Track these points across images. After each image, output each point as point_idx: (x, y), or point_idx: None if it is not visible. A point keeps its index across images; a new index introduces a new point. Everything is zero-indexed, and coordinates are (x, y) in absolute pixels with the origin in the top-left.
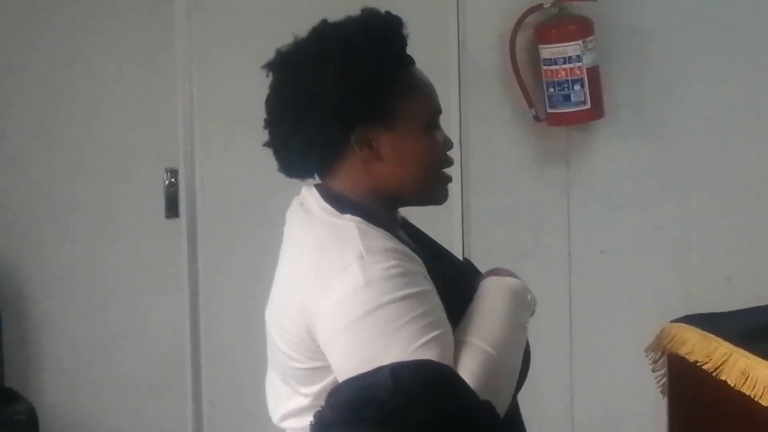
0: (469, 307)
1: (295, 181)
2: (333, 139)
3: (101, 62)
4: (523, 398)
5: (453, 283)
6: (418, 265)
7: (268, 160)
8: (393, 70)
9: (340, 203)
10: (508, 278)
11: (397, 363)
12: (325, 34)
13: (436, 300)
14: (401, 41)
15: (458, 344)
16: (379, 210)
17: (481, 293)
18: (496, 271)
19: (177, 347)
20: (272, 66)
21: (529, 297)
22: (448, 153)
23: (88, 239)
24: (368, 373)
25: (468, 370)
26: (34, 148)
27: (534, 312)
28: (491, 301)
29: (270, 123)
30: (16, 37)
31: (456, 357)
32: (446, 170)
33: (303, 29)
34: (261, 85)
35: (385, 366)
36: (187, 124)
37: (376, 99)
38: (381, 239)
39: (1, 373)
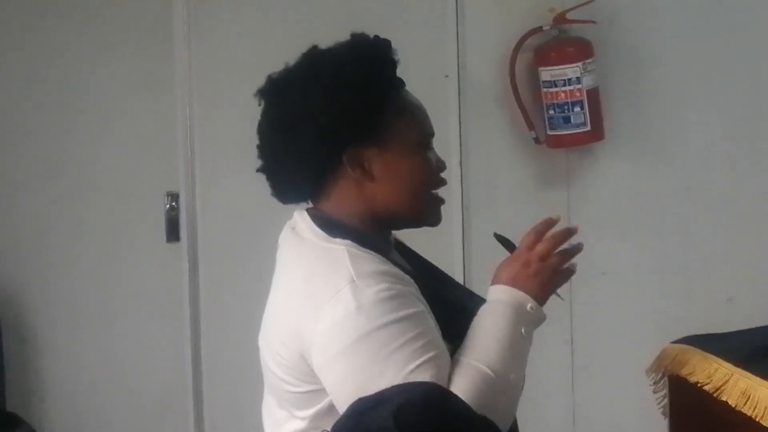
0: (470, 325)
1: (294, 205)
2: (325, 159)
3: (103, 88)
4: (524, 419)
5: (448, 304)
6: (409, 287)
7: (268, 184)
8: (383, 90)
9: (331, 227)
10: (506, 290)
11: (401, 403)
12: (314, 58)
13: (429, 321)
14: (391, 63)
15: (454, 364)
16: (371, 233)
17: (481, 310)
18: (499, 275)
19: (178, 371)
20: (263, 92)
21: (529, 307)
22: (441, 174)
23: (90, 263)
24: (370, 412)
25: (460, 390)
26: (36, 173)
27: (540, 321)
28: (490, 319)
29: (262, 148)
30: (22, 67)
31: (451, 377)
32: (440, 192)
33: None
34: (261, 109)
35: (387, 405)
36: (187, 149)
37: (367, 118)
38: (371, 262)
39: (3, 398)
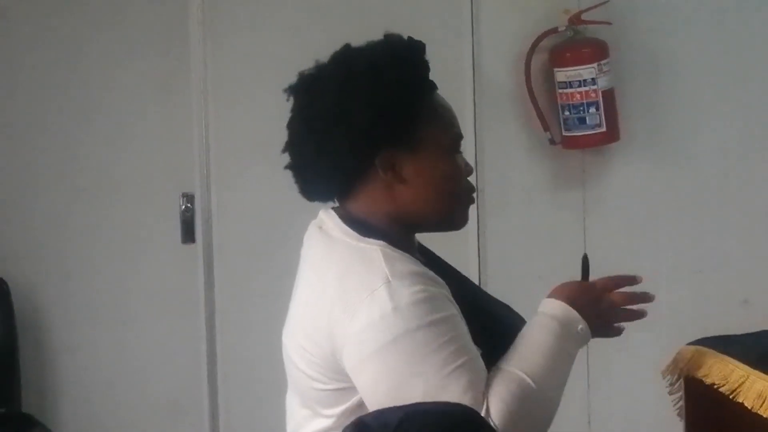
0: (518, 334)
1: (310, 205)
2: (358, 161)
3: (119, 90)
4: None
5: (471, 306)
6: (442, 289)
7: (284, 184)
8: (418, 94)
9: (361, 226)
10: (561, 306)
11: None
12: (350, 58)
13: (462, 325)
14: (425, 66)
15: (495, 371)
16: (397, 235)
17: (531, 322)
18: (560, 290)
19: (194, 372)
20: (295, 89)
21: (579, 328)
22: (468, 179)
23: (105, 264)
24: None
25: (499, 396)
26: (52, 175)
27: (585, 341)
28: (537, 331)
29: (293, 145)
30: (39, 69)
31: (490, 383)
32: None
33: (318, 56)
34: (276, 110)
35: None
36: (203, 150)
37: (403, 122)
38: (405, 263)
39: (19, 399)
